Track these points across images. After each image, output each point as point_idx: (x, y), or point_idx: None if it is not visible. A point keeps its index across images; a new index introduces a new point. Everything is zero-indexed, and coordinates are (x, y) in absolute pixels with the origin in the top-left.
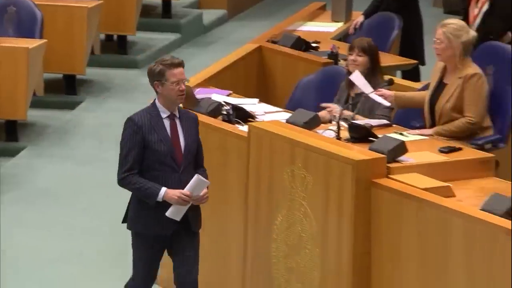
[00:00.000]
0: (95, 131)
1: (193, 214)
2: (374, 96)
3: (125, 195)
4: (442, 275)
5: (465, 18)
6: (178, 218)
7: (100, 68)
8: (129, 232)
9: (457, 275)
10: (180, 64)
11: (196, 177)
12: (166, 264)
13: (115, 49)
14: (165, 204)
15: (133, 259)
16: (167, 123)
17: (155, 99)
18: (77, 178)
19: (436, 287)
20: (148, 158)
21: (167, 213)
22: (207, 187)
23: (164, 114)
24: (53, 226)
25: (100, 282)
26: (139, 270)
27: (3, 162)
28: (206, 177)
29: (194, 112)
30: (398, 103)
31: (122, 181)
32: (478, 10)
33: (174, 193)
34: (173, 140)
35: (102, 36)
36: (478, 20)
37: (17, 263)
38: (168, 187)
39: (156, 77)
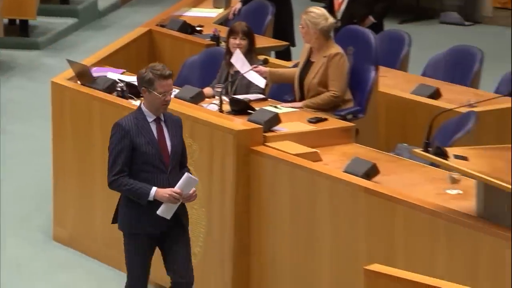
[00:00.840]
0: (1, 107)
1: (182, 210)
2: (250, 77)
3: (25, 166)
4: (311, 229)
5: (331, 5)
6: (168, 216)
7: (4, 50)
8: (27, 196)
9: (324, 229)
10: (170, 76)
11: (186, 175)
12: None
13: (18, 32)
14: (156, 203)
15: (127, 260)
16: (153, 126)
17: (141, 104)
18: None
19: (306, 241)
20: (136, 160)
21: (158, 212)
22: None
23: (150, 118)
24: None
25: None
26: (133, 270)
27: None
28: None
29: (178, 116)
30: (272, 78)
31: (113, 184)
32: None
33: (165, 191)
34: (160, 143)
35: (6, 20)
36: (343, 7)
37: None
38: (157, 187)
39: (145, 84)
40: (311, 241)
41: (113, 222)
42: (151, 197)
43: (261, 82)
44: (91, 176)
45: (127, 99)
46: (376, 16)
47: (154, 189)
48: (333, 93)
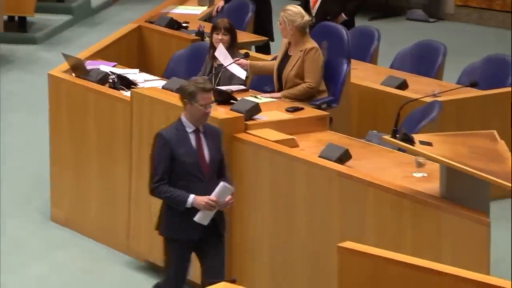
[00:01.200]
0: (0, 98)
1: (220, 218)
2: (232, 69)
3: (24, 153)
4: (290, 210)
5: (307, 3)
6: (205, 223)
7: (3, 44)
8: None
9: (301, 209)
10: (210, 89)
11: (221, 184)
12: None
13: (16, 28)
14: (194, 210)
15: (166, 262)
16: (192, 137)
17: (181, 115)
18: None
19: (284, 221)
20: (176, 169)
21: (195, 218)
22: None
23: (190, 129)
24: None
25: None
26: (171, 273)
27: None
28: (230, 185)
29: (216, 127)
30: (252, 70)
31: (154, 191)
32: None
33: (202, 199)
34: (199, 153)
35: (5, 17)
36: (317, 5)
37: None
38: (195, 195)
39: (187, 96)
40: (289, 221)
41: (156, 229)
42: (188, 204)
43: (242, 74)
44: (86, 161)
45: (118, 90)
46: (348, 14)
47: (192, 196)
48: (309, 85)
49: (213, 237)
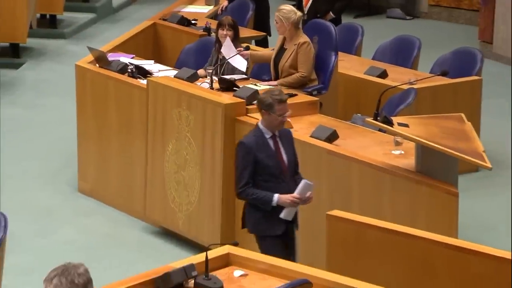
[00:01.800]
0: (35, 85)
1: (295, 215)
2: (235, 63)
3: (55, 132)
4: None
5: (300, 2)
6: (290, 218)
7: (37, 39)
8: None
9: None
10: (286, 100)
11: (303, 182)
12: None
13: (48, 25)
14: (277, 209)
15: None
16: (271, 142)
17: (258, 123)
18: (22, 119)
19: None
20: (260, 172)
21: (282, 215)
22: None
23: (268, 135)
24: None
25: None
26: None
27: None
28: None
29: (288, 129)
30: (252, 59)
31: (241, 194)
32: None
33: (287, 197)
34: (278, 156)
35: (38, 15)
36: (309, 4)
37: None
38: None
39: (265, 107)
40: None
41: (243, 227)
42: (274, 203)
43: (243, 67)
44: (108, 140)
45: (136, 78)
46: (336, 12)
47: (276, 196)
48: (302, 74)
49: (291, 230)
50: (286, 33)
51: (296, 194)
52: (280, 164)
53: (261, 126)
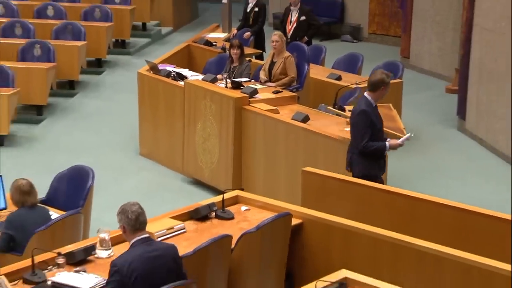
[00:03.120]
0: (111, 85)
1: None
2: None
3: (124, 116)
4: (275, 153)
5: (285, 29)
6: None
7: (113, 55)
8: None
9: (281, 151)
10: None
11: (407, 135)
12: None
13: (119, 46)
14: (383, 157)
15: None
16: (375, 110)
17: (365, 95)
18: (103, 108)
19: (272, 159)
20: (374, 132)
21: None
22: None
23: (374, 104)
24: (78, 145)
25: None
26: None
27: (35, 127)
28: None
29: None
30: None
31: (364, 148)
32: (291, 26)
33: (397, 142)
34: (381, 120)
35: (113, 39)
36: (291, 31)
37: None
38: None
39: (384, 85)
40: (274, 158)
41: (347, 168)
42: (387, 149)
43: (247, 74)
44: (158, 121)
45: (177, 81)
46: (308, 37)
47: (387, 143)
48: (292, 76)
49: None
50: (279, 51)
51: (399, 141)
52: (383, 125)
53: (369, 98)
